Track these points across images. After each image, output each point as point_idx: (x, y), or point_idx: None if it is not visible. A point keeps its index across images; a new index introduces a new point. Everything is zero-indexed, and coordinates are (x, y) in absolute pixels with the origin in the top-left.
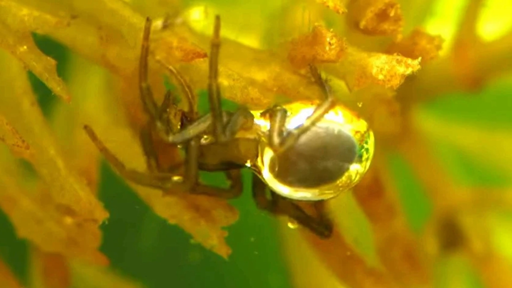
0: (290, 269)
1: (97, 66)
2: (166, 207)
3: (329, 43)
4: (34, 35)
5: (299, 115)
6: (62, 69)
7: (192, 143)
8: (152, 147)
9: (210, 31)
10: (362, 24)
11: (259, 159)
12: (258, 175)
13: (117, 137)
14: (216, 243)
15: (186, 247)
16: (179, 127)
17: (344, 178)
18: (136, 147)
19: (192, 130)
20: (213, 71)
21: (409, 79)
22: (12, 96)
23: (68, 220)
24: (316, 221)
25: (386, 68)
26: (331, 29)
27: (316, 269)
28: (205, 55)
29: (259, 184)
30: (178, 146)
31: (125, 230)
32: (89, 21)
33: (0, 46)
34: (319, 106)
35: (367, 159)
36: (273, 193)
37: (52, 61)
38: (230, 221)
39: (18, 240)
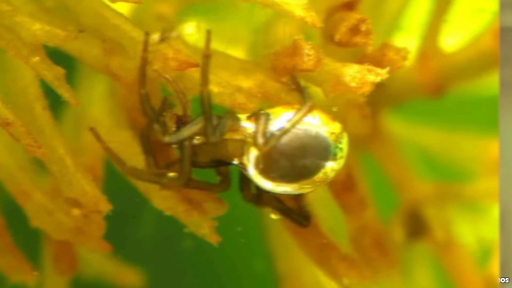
0: (273, 255)
1: (101, 74)
2: (163, 200)
3: (308, 54)
4: (46, 47)
5: (280, 118)
6: (71, 77)
7: (186, 143)
8: (150, 146)
9: (201, 43)
10: (337, 37)
11: (245, 157)
12: (244, 171)
13: (119, 138)
14: (207, 232)
15: (180, 235)
16: (174, 129)
17: (320, 174)
18: (136, 147)
19: (186, 131)
20: (204, 79)
21: (379, 86)
22: (26, 101)
23: (76, 211)
24: (296, 212)
25: (358, 76)
26: (309, 42)
27: (296, 255)
28: (197, 65)
29: (245, 180)
30: (173, 146)
31: (126, 220)
32: (94, 34)
33: (15, 57)
34: (298, 110)
35: (341, 157)
36: (258, 188)
37: (61, 70)
38: (219, 213)
39: (31, 230)
